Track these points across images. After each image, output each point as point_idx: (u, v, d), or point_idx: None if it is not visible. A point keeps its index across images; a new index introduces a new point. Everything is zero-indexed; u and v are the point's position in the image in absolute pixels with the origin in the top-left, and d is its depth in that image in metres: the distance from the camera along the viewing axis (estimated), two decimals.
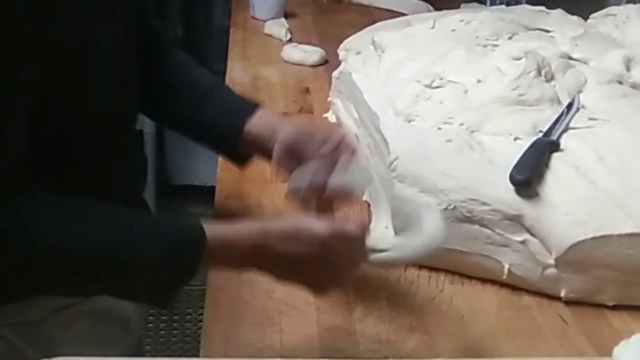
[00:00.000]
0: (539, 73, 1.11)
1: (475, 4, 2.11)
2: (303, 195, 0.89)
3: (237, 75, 1.59)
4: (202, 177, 2.58)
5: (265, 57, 1.70)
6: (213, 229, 0.77)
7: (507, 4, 1.96)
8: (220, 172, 1.17)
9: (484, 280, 0.97)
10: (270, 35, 1.84)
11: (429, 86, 1.11)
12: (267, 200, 1.13)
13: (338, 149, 0.90)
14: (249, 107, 0.99)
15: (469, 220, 0.95)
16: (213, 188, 1.15)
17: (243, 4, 2.01)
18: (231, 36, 1.82)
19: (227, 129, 0.98)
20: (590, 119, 1.06)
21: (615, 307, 0.93)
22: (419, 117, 1.07)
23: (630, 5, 1.42)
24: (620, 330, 0.89)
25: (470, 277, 0.98)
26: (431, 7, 2.01)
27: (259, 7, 1.95)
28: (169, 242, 0.76)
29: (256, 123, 0.97)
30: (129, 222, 0.77)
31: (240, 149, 0.99)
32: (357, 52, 1.41)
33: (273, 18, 1.91)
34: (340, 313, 0.90)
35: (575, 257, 0.90)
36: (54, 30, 0.74)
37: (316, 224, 0.78)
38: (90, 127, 0.84)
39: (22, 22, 0.69)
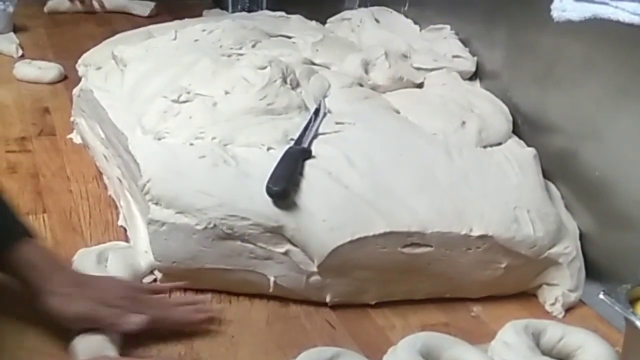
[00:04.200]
0: (284, 81, 1.12)
1: (217, 10, 2.11)
2: None
3: None
4: None
5: None
6: None
7: (249, 10, 1.98)
8: None
9: (251, 296, 0.96)
10: None
11: (176, 101, 1.08)
12: None
13: None
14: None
15: (230, 237, 0.93)
16: None
17: None
18: None
19: None
20: (337, 123, 1.09)
21: (377, 305, 0.96)
22: (169, 134, 1.03)
23: (363, 9, 1.49)
24: (384, 326, 0.92)
25: (237, 294, 0.96)
26: None
27: None
28: None
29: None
30: None
31: None
32: (97, 67, 1.33)
33: (1, 33, 1.76)
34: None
35: (336, 262, 0.91)
36: None
37: None
38: None
39: None
